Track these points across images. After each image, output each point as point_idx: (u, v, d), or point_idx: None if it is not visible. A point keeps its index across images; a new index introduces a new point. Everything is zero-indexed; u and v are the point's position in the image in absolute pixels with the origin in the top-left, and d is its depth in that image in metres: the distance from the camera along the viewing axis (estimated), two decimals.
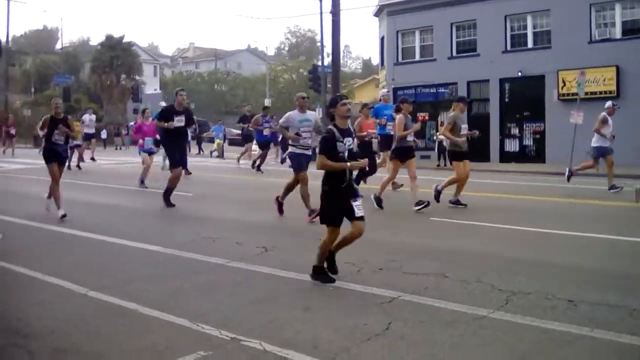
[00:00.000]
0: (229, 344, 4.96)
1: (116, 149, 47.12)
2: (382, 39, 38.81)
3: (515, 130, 31.46)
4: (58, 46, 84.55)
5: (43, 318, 5.73)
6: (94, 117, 31.58)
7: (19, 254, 8.47)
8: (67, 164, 16.01)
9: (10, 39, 59.09)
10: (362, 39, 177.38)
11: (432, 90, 34.91)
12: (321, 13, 34.82)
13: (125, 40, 63.75)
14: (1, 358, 4.83)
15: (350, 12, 71.13)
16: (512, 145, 31.85)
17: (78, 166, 23.00)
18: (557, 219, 11.54)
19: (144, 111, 18.80)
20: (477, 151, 29.67)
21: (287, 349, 4.80)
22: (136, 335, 5.25)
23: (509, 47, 31.85)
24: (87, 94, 63.20)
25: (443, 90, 34.48)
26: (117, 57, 60.52)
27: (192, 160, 21.71)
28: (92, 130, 29.59)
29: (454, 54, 33.86)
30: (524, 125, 31.46)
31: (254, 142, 26.65)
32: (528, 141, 31.54)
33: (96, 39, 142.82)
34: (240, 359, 4.70)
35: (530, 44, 31.33)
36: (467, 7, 32.69)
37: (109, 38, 63.01)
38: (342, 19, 32.43)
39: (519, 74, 30.90)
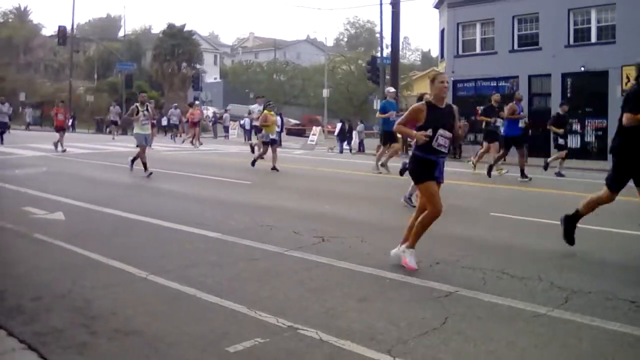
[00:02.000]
0: (286, 332, 4.99)
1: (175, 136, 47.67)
2: (442, 31, 38.49)
3: (577, 126, 30.83)
4: (121, 34, 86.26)
5: (105, 300, 5.86)
6: (178, 111, 35.52)
7: (83, 237, 8.66)
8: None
9: (75, 26, 60.33)
10: (422, 31, 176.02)
11: (492, 84, 34.44)
12: (381, 4, 34.71)
13: (186, 29, 64.56)
14: (65, 337, 4.95)
15: (410, 4, 70.86)
16: (573, 142, 31.20)
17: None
18: (619, 218, 11.28)
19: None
20: (537, 146, 29.31)
21: (343, 339, 4.81)
22: (195, 320, 5.33)
23: (571, 42, 31.26)
24: (148, 82, 64.21)
25: (504, 84, 34.02)
26: (178, 45, 61.32)
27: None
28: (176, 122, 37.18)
29: (516, 47, 33.39)
30: (586, 122, 30.86)
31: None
32: (590, 137, 30.94)
33: (158, 27, 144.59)
34: (297, 347, 4.73)
35: (594, 39, 30.71)
36: (529, 0, 32.16)
37: (171, 27, 63.87)
38: (401, 10, 32.30)
39: (582, 68, 30.31)
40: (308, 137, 41.62)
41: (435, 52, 68.49)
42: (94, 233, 9.03)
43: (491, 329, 5.21)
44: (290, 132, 51.90)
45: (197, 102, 33.89)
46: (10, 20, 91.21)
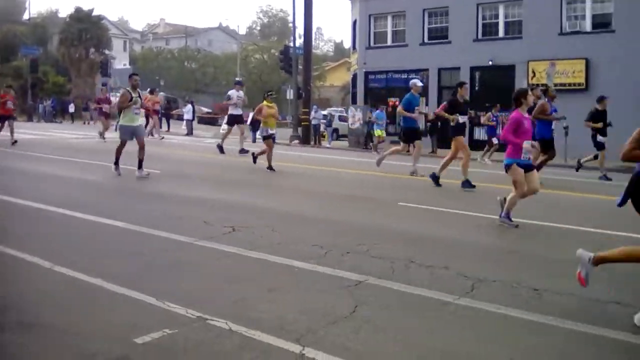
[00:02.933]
0: (195, 323, 4.95)
1: (84, 123, 46.55)
2: (354, 23, 38.78)
3: (484, 119, 31.61)
4: (25, 17, 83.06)
5: (8, 293, 5.67)
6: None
7: None
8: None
9: None
10: (335, 22, 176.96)
11: (403, 76, 34.93)
12: None
13: (94, 13, 62.83)
14: None
15: None
16: (481, 134, 32.06)
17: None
18: (526, 209, 11.66)
19: None
20: (445, 139, 29.94)
21: (253, 329, 4.80)
22: (102, 312, 5.21)
23: (480, 36, 32.07)
24: (55, 67, 62.30)
25: (414, 77, 34.56)
26: (86, 30, 59.66)
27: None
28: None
29: (426, 40, 34.00)
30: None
31: None
32: (498, 130, 31.77)
33: (65, 11, 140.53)
34: (206, 337, 4.69)
35: (501, 34, 31.59)
36: None
37: (78, 10, 62.05)
38: (314, 0, 32.34)
39: (490, 62, 31.14)
40: (220, 125, 41.20)
41: (347, 43, 69.01)
42: None
43: (400, 317, 5.30)
44: (202, 121, 51.29)
45: (105, 87, 31.39)
46: None
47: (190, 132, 35.61)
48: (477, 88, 32.31)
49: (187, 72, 75.27)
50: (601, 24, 28.69)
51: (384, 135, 29.63)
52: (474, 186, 13.88)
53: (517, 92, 9.62)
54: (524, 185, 9.29)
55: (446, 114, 14.70)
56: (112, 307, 5.33)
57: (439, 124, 29.38)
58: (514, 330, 5.11)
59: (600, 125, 17.69)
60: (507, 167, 9.41)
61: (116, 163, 14.02)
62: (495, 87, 31.58)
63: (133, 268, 6.52)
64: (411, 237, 8.58)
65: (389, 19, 35.56)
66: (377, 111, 29.96)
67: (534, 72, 29.73)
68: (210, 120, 53.39)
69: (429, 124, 29.72)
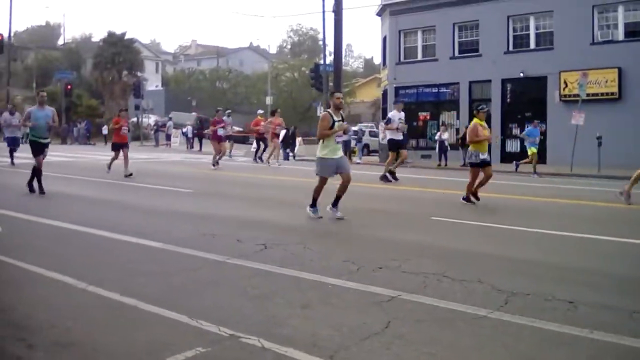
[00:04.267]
0: (228, 341, 4.95)
1: None
2: (384, 39, 38.85)
3: (516, 131, 31.45)
4: (60, 42, 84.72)
5: (44, 312, 5.72)
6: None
7: (21, 248, 8.44)
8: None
9: (12, 34, 59.06)
10: (364, 38, 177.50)
11: (433, 90, 34.94)
12: (324, 12, 34.82)
13: (127, 37, 63.88)
14: (2, 351, 4.82)
15: (353, 11, 71.26)
16: (513, 146, 31.89)
17: None
18: (558, 220, 11.55)
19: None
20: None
21: (286, 346, 4.79)
22: (135, 331, 5.24)
23: (511, 48, 31.93)
24: (88, 90, 63.28)
25: (445, 90, 34.52)
26: (119, 53, 60.59)
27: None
28: None
29: (456, 54, 33.94)
30: (526, 126, 31.46)
31: None
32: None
33: (98, 36, 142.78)
34: (240, 355, 4.69)
35: (532, 45, 31.42)
36: (469, 8, 32.77)
37: (111, 35, 63.10)
38: (344, 17, 32.44)
39: (521, 74, 30.97)
40: (251, 144, 41.39)
41: (377, 59, 69.09)
42: (32, 245, 8.81)
43: (432, 331, 5.25)
44: (233, 140, 51.59)
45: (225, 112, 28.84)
46: None
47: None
48: (508, 100, 32.15)
49: (218, 92, 75.82)
50: (634, 32, 28.41)
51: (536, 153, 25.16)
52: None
53: None
54: None
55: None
56: (146, 327, 5.35)
57: None
58: (549, 344, 5.03)
59: None
60: None
61: (313, 205, 11.35)
62: (527, 98, 31.42)
63: (166, 287, 6.55)
64: (444, 252, 8.52)
65: (419, 34, 35.57)
66: (530, 127, 26.09)
67: (565, 83, 29.50)
68: (241, 139, 53.63)
69: (460, 139, 29.62)
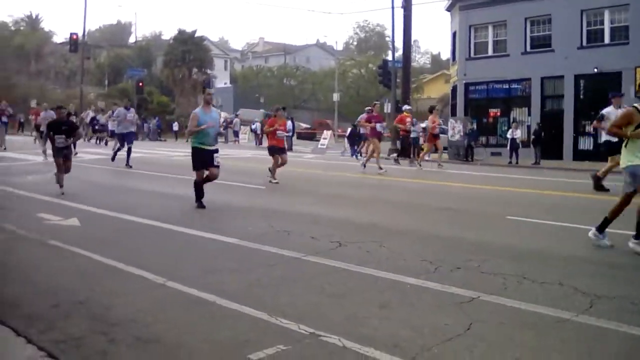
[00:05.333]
0: (308, 339, 4.93)
1: (187, 141, 47.74)
2: (454, 34, 38.42)
3: (590, 128, 30.61)
4: (131, 40, 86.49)
5: (123, 307, 5.81)
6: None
7: (99, 243, 8.63)
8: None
9: (86, 33, 60.52)
10: (431, 34, 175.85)
11: (504, 86, 34.36)
12: (393, 7, 34.68)
13: (197, 34, 64.67)
14: (85, 345, 4.91)
15: (421, 7, 70.54)
16: (586, 144, 31.12)
17: None
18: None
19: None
20: (549, 149, 29.20)
21: (367, 347, 4.74)
22: (215, 327, 5.27)
23: (584, 43, 31.14)
24: (159, 87, 64.41)
25: (516, 86, 33.91)
26: (188, 51, 61.47)
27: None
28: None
29: (528, 49, 33.29)
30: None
31: None
32: (605, 138, 30.74)
33: (168, 33, 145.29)
34: (320, 354, 4.67)
35: (607, 40, 30.56)
36: (541, 2, 32.10)
37: (181, 32, 64.07)
38: (412, 13, 32.20)
39: (595, 70, 30.16)
40: (319, 141, 41.52)
41: (445, 55, 68.48)
42: (110, 239, 8.99)
43: (515, 335, 5.14)
44: (301, 136, 51.85)
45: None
46: (21, 28, 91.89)
47: (289, 148, 35.96)
48: (581, 97, 31.39)
49: (285, 89, 76.37)
50: None
51: None
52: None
53: None
54: None
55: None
56: (225, 323, 5.38)
57: (542, 134, 28.69)
58: (637, 350, 4.87)
59: None
60: None
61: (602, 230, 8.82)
62: (601, 95, 30.57)
63: (243, 283, 6.58)
64: (521, 252, 8.33)
65: (490, 29, 35.02)
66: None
67: None
68: (308, 136, 53.91)
69: (532, 136, 29.09)
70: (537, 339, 5.04)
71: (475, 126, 32.43)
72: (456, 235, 9.44)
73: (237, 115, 52.13)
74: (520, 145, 29.75)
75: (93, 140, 37.44)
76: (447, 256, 7.80)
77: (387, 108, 37.51)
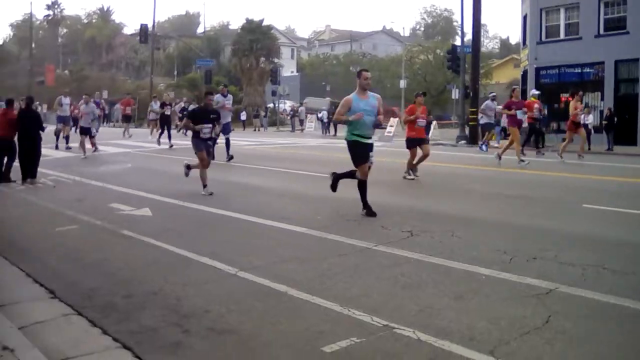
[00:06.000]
0: (382, 331, 4.86)
1: (255, 130, 48.16)
2: (524, 17, 37.51)
3: None
4: (200, 30, 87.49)
5: (196, 297, 5.85)
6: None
7: (171, 233, 8.73)
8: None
9: (155, 24, 61.45)
10: (500, 18, 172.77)
11: (577, 70, 33.41)
12: None
13: (264, 24, 64.92)
14: (159, 335, 4.94)
15: None
16: None
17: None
18: None
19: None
20: (622, 134, 28.32)
21: (442, 339, 4.64)
22: (288, 318, 5.24)
23: None
24: (227, 77, 64.97)
25: (589, 70, 32.94)
26: (256, 40, 61.70)
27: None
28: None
29: (602, 32, 32.21)
30: None
31: None
32: None
33: (236, 23, 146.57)
34: (395, 347, 4.58)
35: None
36: None
37: (249, 22, 64.36)
38: None
39: None
40: (385, 128, 41.21)
41: (514, 39, 67.10)
42: (181, 229, 9.08)
43: (597, 328, 4.96)
44: None
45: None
46: (94, 20, 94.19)
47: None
48: None
49: (352, 77, 75.88)
50: None
51: None
52: None
53: None
54: None
55: None
56: (297, 314, 5.35)
57: (615, 120, 27.86)
58: None
59: None
60: None
61: None
62: None
63: (314, 273, 6.54)
64: (600, 242, 8.05)
65: (562, 11, 34.04)
66: None
67: None
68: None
69: (605, 122, 28.24)
70: (620, 333, 4.85)
71: (546, 112, 31.64)
72: (530, 224, 9.20)
73: (302, 104, 52.18)
74: (593, 131, 28.91)
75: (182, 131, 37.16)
76: (522, 246, 7.60)
77: (455, 94, 37.01)
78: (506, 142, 19.95)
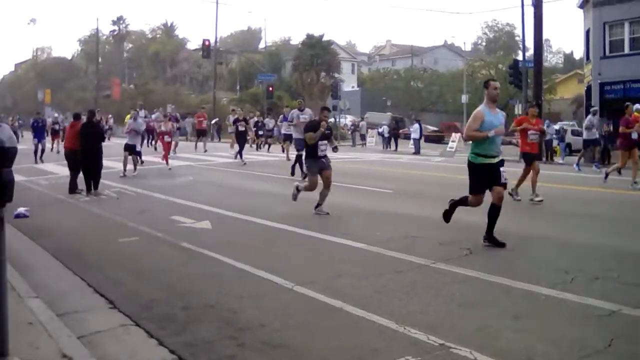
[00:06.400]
0: (438, 351, 4.79)
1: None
2: (587, 32, 36.82)
3: None
4: (261, 46, 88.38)
5: (252, 310, 5.87)
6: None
7: (229, 246, 8.80)
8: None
9: (218, 39, 62.35)
10: (563, 32, 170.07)
11: None
12: (523, 6, 33.67)
13: (324, 39, 65.30)
14: (214, 348, 4.98)
15: (552, 4, 68.11)
16: None
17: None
18: None
19: None
20: None
21: None
22: (343, 334, 5.23)
23: None
24: (288, 91, 65.47)
25: None
26: (317, 55, 62.13)
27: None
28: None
29: None
30: None
31: None
32: None
33: (297, 38, 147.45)
34: None
35: None
36: None
37: (310, 37, 64.85)
38: (543, 11, 31.17)
39: None
40: (447, 143, 40.92)
41: (578, 54, 66.01)
42: (240, 242, 9.15)
43: None
44: (428, 139, 51.23)
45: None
46: (158, 36, 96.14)
47: (417, 151, 35.65)
48: None
49: (412, 92, 75.74)
50: None
51: None
52: None
53: None
54: None
55: None
56: (352, 330, 5.33)
57: None
58: None
59: None
60: None
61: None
62: None
63: (370, 289, 6.51)
64: None
65: (626, 25, 33.29)
66: None
67: None
68: (436, 139, 53.21)
69: None
70: None
71: (611, 128, 30.93)
72: (594, 243, 8.99)
73: (363, 119, 52.15)
74: None
75: (255, 146, 37.27)
76: (584, 265, 7.43)
77: (518, 109, 36.47)
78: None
